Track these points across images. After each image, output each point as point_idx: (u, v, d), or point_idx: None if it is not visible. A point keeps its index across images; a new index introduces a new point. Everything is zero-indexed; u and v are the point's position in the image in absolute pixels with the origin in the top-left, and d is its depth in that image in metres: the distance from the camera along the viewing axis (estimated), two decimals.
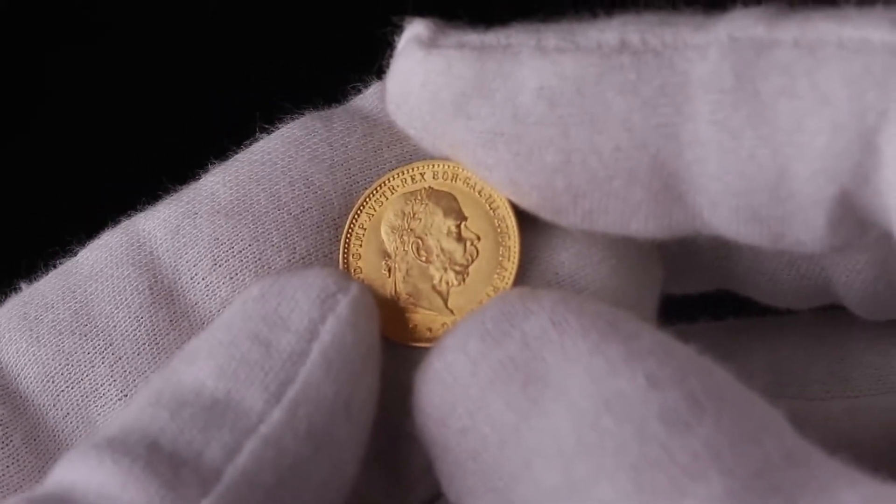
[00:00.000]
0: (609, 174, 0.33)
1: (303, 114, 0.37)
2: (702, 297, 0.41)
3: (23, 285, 0.36)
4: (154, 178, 0.38)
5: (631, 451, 0.29)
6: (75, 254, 0.36)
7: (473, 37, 0.35)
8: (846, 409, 0.40)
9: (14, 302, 0.35)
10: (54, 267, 0.36)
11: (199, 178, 0.36)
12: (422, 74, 0.35)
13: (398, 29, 0.36)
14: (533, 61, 0.33)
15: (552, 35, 0.34)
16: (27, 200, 0.52)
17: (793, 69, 0.31)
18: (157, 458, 0.30)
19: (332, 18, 0.53)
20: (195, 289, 0.35)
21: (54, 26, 0.55)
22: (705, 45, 0.32)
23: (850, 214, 0.31)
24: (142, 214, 0.36)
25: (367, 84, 0.38)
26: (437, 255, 0.36)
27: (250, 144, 0.37)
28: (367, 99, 0.37)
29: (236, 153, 0.37)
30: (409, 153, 0.36)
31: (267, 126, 0.37)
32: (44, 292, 0.35)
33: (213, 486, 0.30)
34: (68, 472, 0.31)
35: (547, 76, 0.33)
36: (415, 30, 0.35)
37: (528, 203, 0.35)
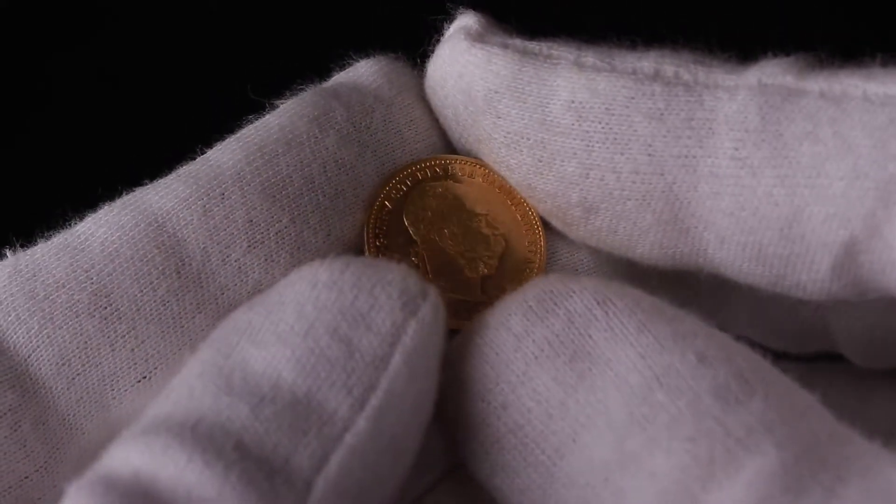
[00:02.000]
0: (624, 195, 0.34)
1: (301, 89, 0.37)
2: None
3: (9, 253, 0.35)
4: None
5: (685, 425, 0.29)
6: (70, 226, 0.35)
7: (518, 41, 0.36)
8: None
9: (11, 276, 0.34)
10: (45, 238, 0.35)
11: (206, 154, 0.35)
12: (461, 64, 0.36)
13: (448, 17, 0.37)
14: (569, 74, 0.34)
15: (592, 54, 0.35)
16: (27, 200, 0.52)
17: (817, 116, 0.32)
18: (250, 465, 0.29)
19: (331, 19, 0.54)
20: (226, 271, 0.34)
21: (54, 26, 0.55)
22: (735, 86, 0.33)
23: (854, 265, 0.32)
24: (149, 191, 0.35)
25: (353, 59, 0.38)
26: (468, 246, 0.36)
27: (255, 119, 0.36)
28: (367, 77, 0.37)
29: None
30: (425, 135, 0.37)
31: (269, 101, 0.37)
32: (49, 268, 0.34)
33: (306, 500, 0.29)
34: (145, 460, 0.29)
35: (580, 90, 0.34)
36: (465, 20, 0.36)
37: (541, 209, 0.36)
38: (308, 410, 0.30)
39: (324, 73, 0.38)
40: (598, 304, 0.32)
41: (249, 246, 0.34)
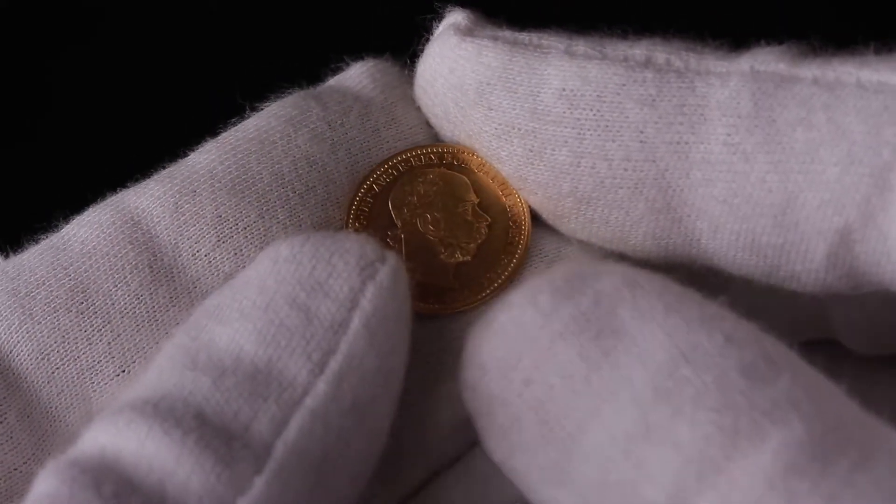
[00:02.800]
0: (616, 183, 0.34)
1: (287, 92, 0.37)
2: None
3: (0, 259, 0.36)
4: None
5: (711, 397, 0.29)
6: (58, 229, 0.36)
7: (508, 33, 0.36)
8: None
9: None
10: (35, 242, 0.36)
11: (186, 156, 0.36)
12: (452, 59, 0.36)
13: (438, 16, 0.37)
14: (560, 62, 0.34)
15: (582, 43, 0.35)
16: (28, 200, 0.52)
17: (811, 102, 0.32)
18: (209, 431, 0.30)
19: (323, 22, 0.54)
20: (197, 265, 0.35)
21: (53, 26, 0.55)
22: (727, 73, 0.33)
23: (849, 255, 0.32)
24: (129, 192, 0.36)
25: (347, 63, 0.38)
26: (447, 232, 0.36)
27: (238, 123, 0.37)
28: (353, 78, 0.37)
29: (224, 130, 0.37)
30: (406, 134, 0.37)
31: (254, 104, 0.37)
32: (32, 268, 0.34)
33: (266, 462, 0.30)
34: (110, 437, 0.30)
35: (571, 78, 0.34)
36: (454, 18, 0.36)
37: (533, 202, 0.36)
38: (269, 378, 0.31)
39: (315, 75, 0.38)
40: (627, 285, 0.31)
41: (218, 241, 0.35)
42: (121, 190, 0.36)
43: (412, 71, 0.38)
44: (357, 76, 0.37)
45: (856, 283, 0.33)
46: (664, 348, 0.30)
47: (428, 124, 0.38)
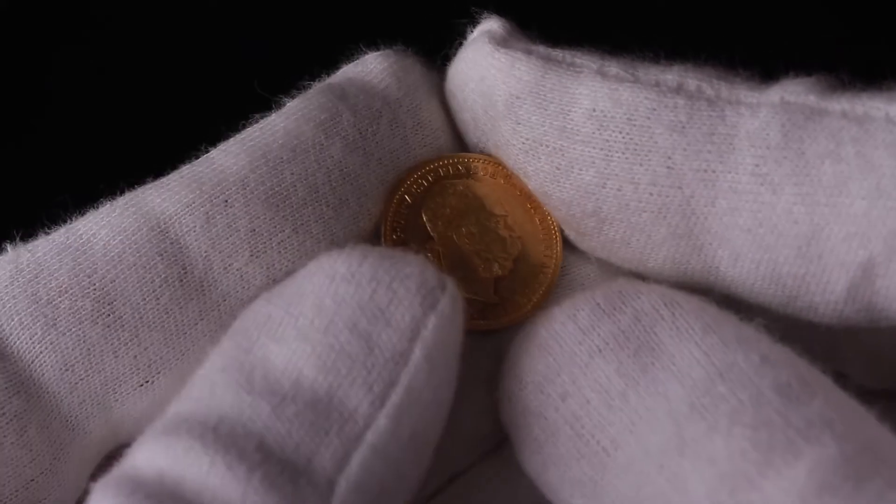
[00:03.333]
0: (640, 206, 0.34)
1: (303, 86, 0.37)
2: None
3: (9, 248, 0.34)
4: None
5: (747, 414, 0.29)
6: (71, 224, 0.35)
7: (541, 47, 0.36)
8: None
9: (13, 276, 0.34)
10: (46, 232, 0.35)
11: (210, 155, 0.35)
12: (484, 67, 0.35)
13: (472, 21, 0.37)
14: (592, 82, 0.34)
15: (615, 64, 0.35)
16: (28, 200, 0.52)
17: (840, 135, 0.32)
18: (274, 467, 0.29)
19: (353, 21, 0.54)
20: (228, 279, 0.34)
21: (55, 25, 0.55)
22: (757, 103, 0.33)
23: (870, 289, 0.32)
24: (150, 191, 0.34)
25: (362, 51, 0.38)
26: (483, 245, 0.36)
27: (261, 120, 0.36)
28: (376, 75, 0.37)
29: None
30: (431, 139, 0.37)
31: (271, 96, 0.36)
32: (51, 270, 0.33)
33: (330, 500, 0.29)
34: (168, 462, 0.29)
35: (602, 99, 0.34)
36: (490, 25, 0.36)
37: (555, 217, 0.36)
38: (329, 409, 0.30)
39: (329, 62, 0.38)
40: (666, 304, 0.32)
41: (252, 255, 0.34)
42: (136, 185, 0.35)
43: (434, 68, 0.38)
44: (380, 73, 0.37)
45: (874, 316, 0.33)
46: (701, 366, 0.30)
47: (451, 127, 0.38)
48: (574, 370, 0.32)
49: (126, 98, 0.54)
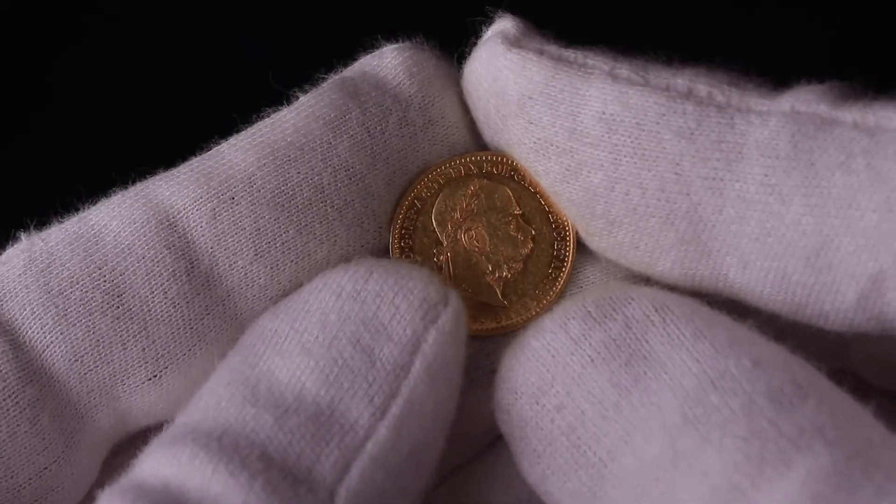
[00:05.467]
0: (648, 212, 0.34)
1: (317, 79, 0.37)
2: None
3: (23, 237, 0.35)
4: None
5: (738, 424, 0.30)
6: (83, 214, 0.35)
7: (554, 47, 0.35)
8: None
9: (26, 265, 0.34)
10: (58, 221, 0.35)
11: (220, 148, 0.35)
12: (496, 67, 0.35)
13: (487, 20, 0.37)
14: (602, 85, 0.34)
15: (627, 67, 0.35)
16: (28, 199, 0.52)
17: (850, 147, 0.32)
18: (275, 475, 0.30)
19: (369, 19, 0.54)
20: (233, 276, 0.34)
21: (55, 24, 0.55)
22: (767, 112, 0.33)
23: (881, 300, 0.32)
24: (160, 183, 0.35)
25: (380, 43, 0.38)
26: (494, 247, 0.36)
27: (272, 115, 0.36)
28: (389, 70, 0.37)
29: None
30: (442, 136, 0.37)
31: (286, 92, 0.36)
32: (63, 261, 0.34)
33: None
34: (173, 470, 0.30)
35: (612, 102, 0.34)
36: (503, 24, 0.36)
37: (566, 215, 0.36)
38: (331, 420, 0.31)
39: (348, 55, 0.38)
40: (657, 310, 0.32)
41: (256, 254, 0.34)
42: (146, 176, 0.35)
43: (448, 60, 0.38)
44: (393, 68, 0.37)
45: (884, 326, 0.33)
46: (693, 374, 0.31)
47: (464, 124, 0.37)
48: (567, 381, 0.32)
49: (131, 93, 0.54)
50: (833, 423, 0.29)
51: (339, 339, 0.32)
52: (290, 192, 0.35)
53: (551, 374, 0.32)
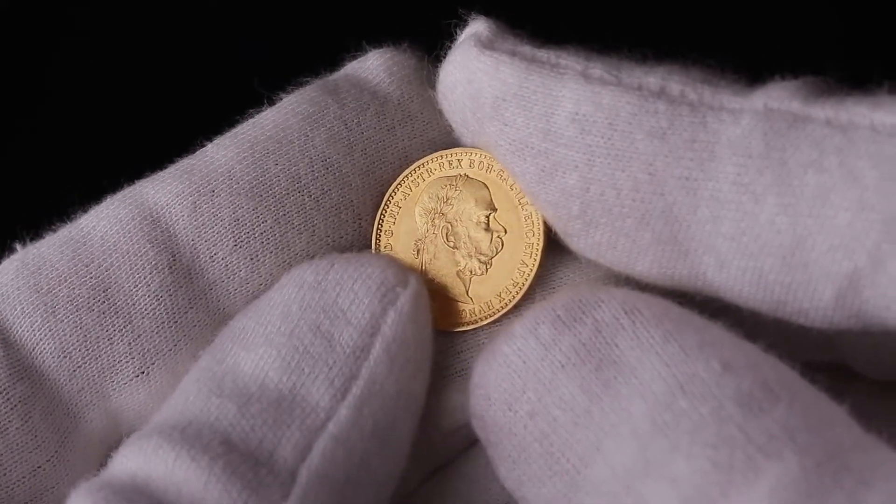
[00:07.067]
0: (623, 212, 0.34)
1: (302, 83, 0.37)
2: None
3: (18, 247, 0.36)
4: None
5: (707, 431, 0.29)
6: (74, 219, 0.36)
7: (527, 48, 0.35)
8: None
9: (18, 269, 0.35)
10: (52, 230, 0.36)
11: (205, 148, 0.36)
12: (470, 70, 0.35)
13: (461, 22, 0.37)
14: (575, 85, 0.34)
15: (600, 66, 0.34)
16: (28, 199, 0.52)
17: (823, 145, 0.32)
18: (235, 457, 0.30)
19: (344, 23, 0.54)
20: (214, 268, 0.35)
21: (54, 24, 0.55)
22: (740, 110, 0.33)
23: (858, 299, 0.32)
24: (146, 184, 0.36)
25: (365, 50, 0.38)
26: (465, 243, 0.36)
27: (255, 114, 0.37)
28: (370, 70, 0.37)
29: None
30: (421, 131, 0.37)
31: (273, 93, 0.37)
32: (53, 262, 0.35)
33: (291, 488, 0.30)
34: (139, 462, 0.31)
35: (584, 103, 0.34)
36: (477, 27, 0.36)
37: (545, 216, 0.36)
38: (293, 405, 0.31)
39: (335, 62, 0.39)
40: (626, 313, 0.32)
41: (235, 245, 0.35)
42: (137, 181, 0.36)
43: (430, 62, 0.38)
44: (374, 68, 0.37)
45: (864, 324, 0.33)
46: (662, 379, 0.31)
47: (444, 121, 0.37)
48: (539, 388, 0.32)
49: (131, 93, 0.54)
50: (804, 426, 0.29)
51: (300, 327, 0.32)
52: (268, 183, 0.35)
53: (523, 380, 0.32)
